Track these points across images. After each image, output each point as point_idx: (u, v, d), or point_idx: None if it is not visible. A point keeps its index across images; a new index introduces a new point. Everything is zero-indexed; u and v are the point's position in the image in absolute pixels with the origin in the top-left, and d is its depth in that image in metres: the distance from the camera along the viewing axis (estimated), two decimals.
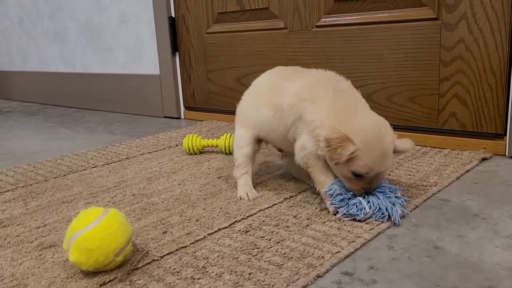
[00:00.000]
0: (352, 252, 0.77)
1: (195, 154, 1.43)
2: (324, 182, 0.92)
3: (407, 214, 0.90)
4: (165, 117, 2.20)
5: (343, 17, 1.52)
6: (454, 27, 1.29)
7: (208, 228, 0.88)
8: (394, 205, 0.88)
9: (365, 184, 0.88)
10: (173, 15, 2.05)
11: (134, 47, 2.24)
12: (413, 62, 1.39)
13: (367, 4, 1.45)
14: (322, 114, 0.89)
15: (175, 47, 2.07)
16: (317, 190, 0.95)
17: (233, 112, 1.99)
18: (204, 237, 0.85)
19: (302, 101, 0.93)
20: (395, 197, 0.90)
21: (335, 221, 0.88)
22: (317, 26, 1.58)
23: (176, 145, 1.58)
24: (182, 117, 2.15)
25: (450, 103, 1.34)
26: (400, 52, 1.41)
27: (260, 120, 1.02)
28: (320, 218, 0.90)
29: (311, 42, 1.61)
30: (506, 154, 1.26)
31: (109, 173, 1.29)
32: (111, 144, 1.65)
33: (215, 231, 0.87)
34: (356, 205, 0.87)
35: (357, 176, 0.86)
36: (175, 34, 2.06)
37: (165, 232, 0.87)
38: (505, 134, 1.27)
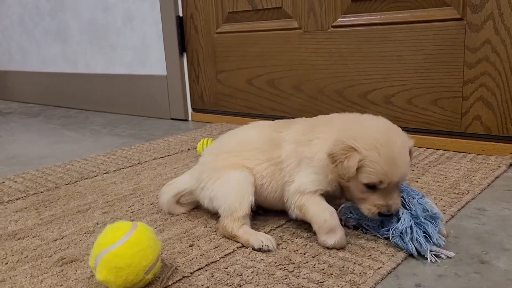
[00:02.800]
0: (394, 268, 0.73)
1: None
2: (320, 220, 0.81)
3: (442, 246, 0.77)
4: (171, 119, 2.14)
5: (361, 17, 1.47)
6: (480, 27, 1.25)
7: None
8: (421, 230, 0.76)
9: (381, 199, 0.78)
10: (180, 15, 2.00)
11: (139, 47, 2.19)
12: (435, 63, 1.35)
13: (387, 4, 1.41)
14: (324, 140, 0.82)
15: (182, 47, 2.02)
16: (314, 230, 0.82)
17: (243, 114, 1.97)
18: (234, 250, 0.80)
19: (300, 147, 0.86)
20: (429, 217, 0.78)
21: (370, 233, 0.84)
22: (334, 26, 1.54)
23: (189, 149, 1.53)
24: (190, 119, 2.10)
25: (475, 106, 1.30)
26: (422, 53, 1.37)
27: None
28: (354, 230, 0.85)
29: (327, 42, 1.56)
30: None
31: (123, 180, 1.24)
32: (120, 148, 1.60)
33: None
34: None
35: (372, 188, 0.78)
36: (182, 34, 2.01)
37: (191, 245, 0.83)
38: None
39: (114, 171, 1.33)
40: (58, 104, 2.75)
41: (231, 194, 0.85)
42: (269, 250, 0.80)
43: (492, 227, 0.86)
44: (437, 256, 0.76)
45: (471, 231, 0.85)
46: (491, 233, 0.84)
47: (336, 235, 0.79)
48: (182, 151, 1.52)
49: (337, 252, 0.77)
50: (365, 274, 0.71)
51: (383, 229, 0.81)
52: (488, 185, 1.07)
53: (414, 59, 1.38)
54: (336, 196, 0.87)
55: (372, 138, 0.77)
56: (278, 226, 0.89)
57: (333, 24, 1.54)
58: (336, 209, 0.84)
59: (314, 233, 0.84)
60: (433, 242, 0.76)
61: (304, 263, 0.74)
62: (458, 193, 1.01)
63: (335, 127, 0.83)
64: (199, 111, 2.06)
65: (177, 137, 1.72)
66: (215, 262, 0.77)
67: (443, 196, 1.00)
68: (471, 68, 1.29)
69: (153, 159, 1.43)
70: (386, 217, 0.80)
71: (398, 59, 1.41)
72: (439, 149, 1.35)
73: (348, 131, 0.80)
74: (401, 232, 0.77)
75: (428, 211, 0.79)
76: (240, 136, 0.97)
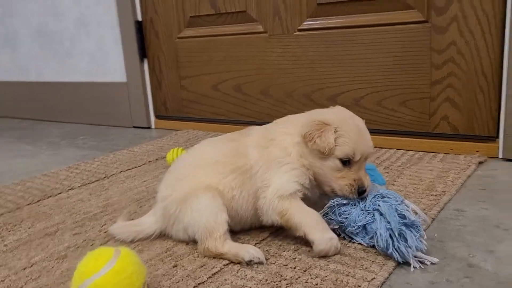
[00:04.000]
0: (387, 278, 0.72)
1: None
2: (308, 220, 0.80)
3: (424, 252, 0.76)
4: (134, 127, 2.07)
5: (327, 20, 1.47)
6: (445, 29, 1.27)
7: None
8: (400, 237, 0.75)
9: (355, 174, 0.81)
10: (140, 19, 1.93)
11: (96, 53, 2.10)
12: (403, 65, 1.36)
13: (352, 7, 1.41)
14: (289, 134, 0.85)
15: (143, 53, 1.96)
16: (306, 237, 0.79)
17: (210, 120, 1.92)
18: (221, 269, 0.77)
19: (265, 149, 0.86)
20: (408, 224, 0.76)
21: (355, 241, 0.83)
22: (300, 30, 1.53)
23: (157, 159, 1.47)
24: (153, 126, 2.04)
25: (442, 106, 1.33)
26: (389, 55, 1.38)
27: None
28: (341, 240, 0.84)
29: (293, 46, 1.55)
30: (500, 157, 1.26)
31: (90, 196, 1.18)
32: (82, 161, 1.52)
33: (231, 261, 0.79)
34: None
35: (346, 164, 0.81)
36: (142, 39, 1.94)
37: (175, 266, 0.79)
38: (498, 137, 1.27)
39: (79, 186, 1.26)
40: (10, 114, 2.60)
41: (204, 217, 0.81)
42: (260, 262, 0.77)
43: (473, 228, 0.87)
44: (421, 262, 0.75)
45: (454, 233, 0.86)
46: (473, 234, 0.85)
47: (331, 232, 0.79)
48: (149, 161, 1.46)
49: (328, 265, 0.76)
50: (359, 286, 0.69)
51: (367, 236, 0.80)
52: (461, 185, 1.08)
53: (382, 61, 1.39)
54: (312, 199, 0.86)
55: (339, 114, 0.84)
56: (263, 240, 0.87)
57: (299, 27, 1.53)
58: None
59: (302, 243, 0.82)
60: (415, 249, 0.75)
61: (296, 279, 0.72)
62: (435, 195, 1.02)
63: (298, 122, 0.86)
64: (163, 118, 2.00)
65: (142, 146, 1.66)
66: (203, 283, 0.73)
67: (422, 198, 1.00)
68: (438, 69, 1.31)
69: (120, 172, 1.37)
70: (363, 195, 0.81)
71: (366, 62, 1.42)
72: (409, 150, 1.37)
73: (311, 113, 0.86)
74: (383, 245, 0.76)
75: (405, 218, 0.77)
76: (195, 156, 0.92)
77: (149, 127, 2.03)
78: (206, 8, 1.72)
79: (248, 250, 0.78)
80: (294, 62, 1.56)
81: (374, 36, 1.39)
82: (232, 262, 0.79)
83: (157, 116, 2.02)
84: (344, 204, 0.82)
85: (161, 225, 0.89)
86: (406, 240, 0.75)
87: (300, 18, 1.52)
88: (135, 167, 1.41)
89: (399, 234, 0.75)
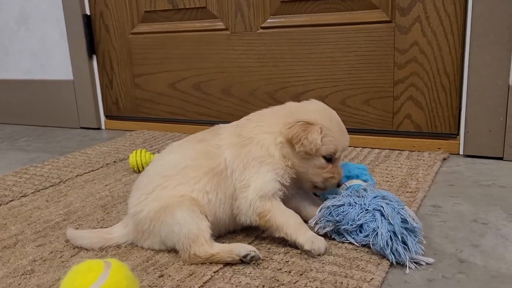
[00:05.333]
0: (384, 277, 0.71)
1: None
2: (291, 221, 0.79)
3: (420, 255, 0.75)
4: (81, 128, 1.95)
5: (291, 18, 1.46)
6: (408, 30, 1.30)
7: (211, 264, 0.76)
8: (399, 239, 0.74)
9: (336, 168, 0.83)
10: (88, 13, 1.81)
11: (39, 49, 1.95)
12: (367, 65, 1.38)
13: (317, 5, 1.41)
14: (269, 133, 0.82)
15: (92, 49, 1.84)
16: (289, 238, 0.78)
17: (167, 120, 1.83)
18: (212, 276, 0.73)
19: (242, 148, 0.82)
20: (408, 229, 0.76)
21: (346, 241, 0.81)
22: (263, 28, 1.50)
23: (115, 162, 1.39)
24: (103, 127, 1.92)
25: (405, 105, 1.35)
26: (354, 54, 1.39)
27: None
28: (330, 240, 0.82)
29: (256, 44, 1.52)
30: (461, 153, 1.30)
31: (48, 203, 1.08)
32: (31, 165, 1.40)
33: (221, 268, 0.75)
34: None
35: (329, 161, 0.82)
36: (91, 35, 1.83)
37: (161, 276, 0.73)
38: (459, 134, 1.31)
39: (32, 193, 1.15)
40: None
41: (184, 228, 0.76)
42: (257, 257, 0.75)
43: (454, 224, 0.89)
44: (416, 263, 0.75)
45: (437, 229, 0.87)
46: (455, 230, 0.87)
47: (311, 232, 0.79)
48: (107, 164, 1.37)
49: (323, 267, 0.73)
50: (360, 287, 0.67)
51: (361, 234, 0.79)
52: (432, 181, 1.11)
53: (346, 60, 1.40)
54: (288, 196, 0.85)
55: (320, 112, 0.83)
56: (249, 243, 0.83)
57: (262, 25, 1.50)
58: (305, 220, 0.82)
59: (292, 246, 0.80)
60: (413, 254, 0.75)
61: (295, 283, 0.69)
62: (410, 192, 1.03)
63: (275, 119, 0.83)
64: (114, 118, 1.89)
65: (96, 148, 1.56)
66: None
67: (399, 195, 1.01)
68: (401, 69, 1.34)
69: (76, 176, 1.27)
70: (337, 187, 0.85)
71: (331, 61, 1.42)
72: (374, 148, 1.39)
73: (291, 112, 0.82)
74: (382, 247, 0.75)
75: (407, 222, 0.76)
76: (161, 166, 0.85)
77: (98, 128, 1.92)
78: (163, 3, 1.65)
79: (243, 245, 0.77)
80: (258, 60, 1.53)
81: (339, 35, 1.39)
82: (223, 263, 0.75)
83: (108, 116, 1.91)
84: (340, 205, 0.80)
85: (133, 238, 0.84)
86: (405, 244, 0.74)
87: (263, 16, 1.49)
88: (92, 170, 1.32)
89: (401, 237, 0.74)
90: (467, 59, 1.24)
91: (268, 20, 1.49)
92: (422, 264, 0.75)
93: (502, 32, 1.17)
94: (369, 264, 0.74)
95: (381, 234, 0.74)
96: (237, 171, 0.81)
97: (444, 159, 1.27)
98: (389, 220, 0.76)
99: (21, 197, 1.13)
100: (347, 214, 0.79)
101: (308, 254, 0.77)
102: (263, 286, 0.69)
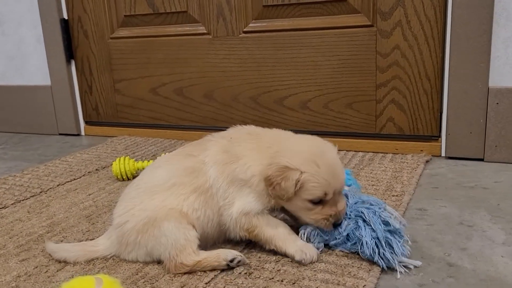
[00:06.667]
0: (376, 283, 0.72)
1: (128, 179, 1.24)
2: (279, 233, 0.79)
3: (407, 256, 0.76)
4: (60, 134, 1.90)
5: (274, 23, 1.46)
6: (390, 34, 1.32)
7: (201, 275, 0.75)
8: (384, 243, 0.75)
9: (331, 210, 0.77)
10: (66, 17, 1.78)
11: (14, 54, 1.90)
12: (350, 68, 1.39)
13: (299, 10, 1.41)
14: (254, 160, 0.79)
15: (70, 54, 1.81)
16: (280, 251, 0.79)
17: (148, 126, 1.81)
18: None
19: (227, 165, 0.81)
20: (392, 231, 0.76)
21: (340, 250, 0.81)
22: (245, 32, 1.50)
23: (97, 170, 1.36)
24: (83, 133, 1.89)
25: (388, 108, 1.37)
26: (336, 58, 1.40)
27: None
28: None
29: (239, 48, 1.52)
30: (443, 155, 1.32)
31: (29, 214, 1.05)
32: (9, 174, 1.36)
33: (212, 278, 0.74)
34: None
35: (317, 203, 0.77)
36: (69, 39, 1.79)
37: None
38: (440, 136, 1.33)
39: (13, 204, 1.12)
40: None
41: (171, 239, 0.76)
42: (243, 262, 0.77)
43: (440, 227, 0.90)
44: (405, 266, 0.76)
45: (424, 233, 0.88)
46: (442, 233, 0.88)
47: (302, 241, 0.79)
48: (89, 172, 1.34)
49: (315, 275, 0.73)
50: None
51: (349, 243, 0.79)
52: (416, 184, 1.12)
53: (329, 64, 1.41)
54: (276, 209, 0.83)
55: (307, 152, 0.77)
56: (239, 251, 0.82)
57: (245, 29, 1.50)
58: (297, 232, 0.81)
59: (281, 255, 0.79)
60: (400, 256, 0.75)
61: None
62: (396, 195, 1.04)
63: (268, 152, 0.79)
64: (94, 124, 1.86)
65: (77, 156, 1.52)
66: None
67: (385, 199, 1.02)
68: (383, 73, 1.35)
69: (57, 185, 1.24)
70: (337, 226, 0.79)
71: (314, 65, 1.43)
72: (357, 151, 1.40)
73: (279, 151, 0.78)
74: (369, 253, 0.75)
75: (389, 225, 0.77)
76: (148, 180, 0.84)
77: (78, 134, 1.88)
78: (143, 7, 1.63)
79: (229, 250, 0.78)
80: (240, 65, 1.53)
81: (322, 39, 1.40)
82: (209, 269, 0.76)
83: (87, 122, 1.87)
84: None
85: (116, 250, 0.82)
86: (391, 247, 0.75)
87: (245, 20, 1.49)
88: (74, 179, 1.29)
89: (385, 242, 0.74)
90: (448, 63, 1.26)
91: (250, 25, 1.49)
92: (411, 268, 0.75)
93: (481, 36, 1.20)
94: (361, 270, 0.74)
95: (366, 243, 0.75)
96: (221, 188, 0.81)
97: (427, 161, 1.28)
98: (371, 226, 0.76)
99: (0, 208, 1.10)
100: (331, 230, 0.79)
101: (300, 263, 0.77)
102: None
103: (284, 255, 0.79)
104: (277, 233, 0.79)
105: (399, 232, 0.77)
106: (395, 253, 0.75)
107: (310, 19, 1.41)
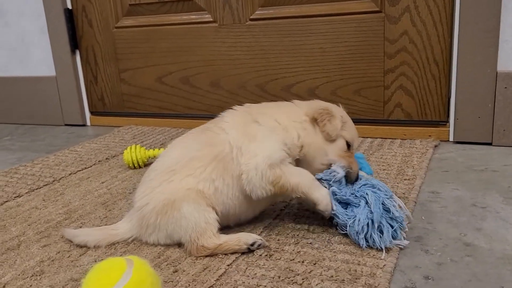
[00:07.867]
0: (396, 263, 0.73)
1: (140, 167, 1.25)
2: (304, 179, 0.81)
3: (402, 240, 0.78)
4: (66, 125, 1.91)
5: (280, 10, 1.46)
6: (398, 19, 1.32)
7: (222, 257, 0.76)
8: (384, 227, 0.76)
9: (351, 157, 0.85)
10: (70, 7, 1.77)
11: (17, 45, 1.89)
12: (357, 55, 1.39)
13: None
14: (286, 115, 0.86)
15: (74, 44, 1.80)
16: (306, 196, 0.81)
17: (155, 115, 1.81)
18: (226, 270, 0.73)
19: (248, 125, 0.84)
20: (390, 218, 0.78)
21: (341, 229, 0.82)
22: (252, 19, 1.50)
23: (107, 159, 1.37)
24: (88, 124, 1.89)
25: (396, 94, 1.38)
26: (344, 45, 1.40)
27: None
28: (330, 228, 0.83)
29: (245, 36, 1.52)
30: (451, 140, 1.34)
31: (45, 202, 1.06)
32: (20, 165, 1.36)
33: (234, 260, 0.75)
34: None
35: (348, 148, 0.85)
36: (74, 29, 1.79)
37: (176, 271, 0.73)
38: (448, 121, 1.34)
39: (27, 193, 1.13)
40: None
41: (191, 222, 0.77)
42: (264, 245, 0.78)
43: (454, 209, 0.91)
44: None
45: (439, 215, 0.89)
46: (456, 214, 0.89)
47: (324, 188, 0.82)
48: (100, 161, 1.35)
49: (335, 255, 0.75)
50: (375, 274, 0.69)
51: (344, 210, 0.80)
52: (427, 168, 1.13)
53: (336, 51, 1.41)
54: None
55: (333, 106, 0.88)
56: (258, 235, 0.83)
57: (251, 17, 1.50)
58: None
59: (301, 236, 0.81)
60: (388, 243, 0.76)
61: (309, 272, 0.70)
62: (408, 179, 1.05)
63: (281, 103, 0.90)
64: (100, 114, 1.86)
65: (85, 145, 1.53)
66: (212, 286, 0.69)
67: (398, 183, 1.03)
68: (391, 58, 1.36)
69: (69, 174, 1.25)
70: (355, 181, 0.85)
71: (321, 52, 1.43)
72: (366, 137, 1.41)
73: (316, 104, 0.88)
74: (357, 232, 0.77)
75: (390, 212, 0.78)
76: (166, 161, 0.85)
77: (83, 125, 1.89)
78: None
79: (250, 234, 0.79)
80: (247, 52, 1.53)
81: (328, 25, 1.40)
82: (230, 252, 0.77)
83: (93, 113, 1.87)
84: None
85: (136, 233, 0.83)
86: (382, 233, 0.76)
87: (252, 7, 1.49)
88: (85, 168, 1.30)
89: (378, 226, 0.76)
90: (456, 48, 1.27)
91: (256, 12, 1.49)
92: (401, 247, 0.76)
93: (489, 20, 1.20)
94: (379, 251, 0.75)
95: (359, 220, 0.76)
96: (243, 146, 0.81)
97: (436, 146, 1.29)
98: (370, 208, 0.77)
99: (15, 197, 1.10)
100: (344, 189, 0.81)
101: (323, 213, 0.81)
102: (279, 276, 0.70)
103: (313, 201, 0.80)
104: (302, 179, 0.81)
105: (399, 222, 0.78)
106: (384, 239, 0.75)
107: (317, 6, 1.41)
